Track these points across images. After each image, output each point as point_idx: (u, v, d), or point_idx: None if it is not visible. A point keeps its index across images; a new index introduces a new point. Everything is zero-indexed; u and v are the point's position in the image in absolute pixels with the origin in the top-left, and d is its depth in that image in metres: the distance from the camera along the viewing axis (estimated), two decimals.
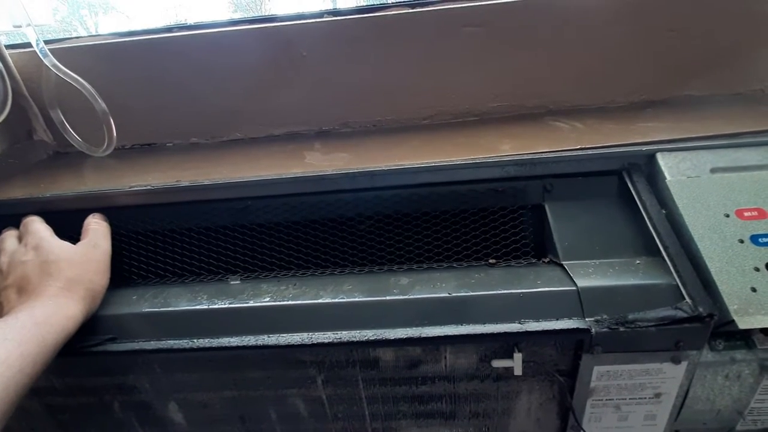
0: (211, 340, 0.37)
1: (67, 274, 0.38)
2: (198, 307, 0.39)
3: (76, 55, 0.55)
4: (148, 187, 0.45)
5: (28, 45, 0.52)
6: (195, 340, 0.37)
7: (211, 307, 0.39)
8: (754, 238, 0.36)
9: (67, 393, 0.43)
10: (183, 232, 0.46)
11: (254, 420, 0.43)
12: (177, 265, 0.46)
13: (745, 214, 0.37)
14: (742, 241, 0.36)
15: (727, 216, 0.37)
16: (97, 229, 0.43)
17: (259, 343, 0.37)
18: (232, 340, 0.37)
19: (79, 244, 0.41)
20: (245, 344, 0.37)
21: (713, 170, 0.41)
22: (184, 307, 0.39)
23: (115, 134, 0.53)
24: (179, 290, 0.42)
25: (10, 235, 0.43)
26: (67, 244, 0.40)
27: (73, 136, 0.56)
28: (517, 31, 0.54)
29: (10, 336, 0.32)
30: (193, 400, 0.43)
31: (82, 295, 0.38)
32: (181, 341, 0.37)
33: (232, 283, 0.43)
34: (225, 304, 0.39)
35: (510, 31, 0.54)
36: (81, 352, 0.37)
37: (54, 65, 0.50)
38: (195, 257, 0.46)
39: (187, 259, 0.46)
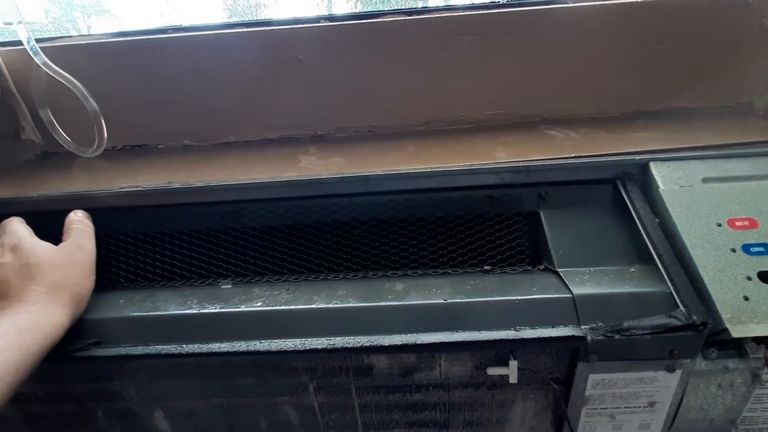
0: (201, 345, 0.36)
1: (50, 277, 0.36)
2: (188, 311, 0.38)
3: (68, 54, 0.54)
4: (139, 189, 0.44)
5: (19, 43, 0.51)
6: (184, 346, 0.36)
7: (201, 311, 0.38)
8: (746, 248, 0.37)
9: (49, 400, 0.42)
10: (174, 234, 0.45)
11: (243, 429, 0.42)
12: (167, 268, 0.45)
13: (737, 223, 0.38)
14: (734, 250, 0.36)
15: (719, 225, 0.38)
16: (80, 228, 0.41)
17: (251, 348, 0.36)
18: (222, 345, 0.36)
19: (61, 245, 0.39)
20: (236, 350, 0.36)
21: (705, 180, 0.41)
22: (174, 311, 0.38)
23: (105, 135, 0.52)
24: (168, 294, 0.41)
25: None
26: (48, 245, 0.39)
27: (63, 136, 0.55)
28: (513, 40, 0.55)
29: None
30: (180, 408, 0.41)
31: (67, 299, 0.36)
32: (169, 347, 0.36)
33: (223, 287, 0.42)
34: (216, 308, 0.38)
35: (506, 40, 0.55)
36: (64, 358, 0.36)
37: (45, 63, 0.50)
38: (185, 260, 0.45)
39: (178, 262, 0.45)
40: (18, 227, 0.40)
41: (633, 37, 0.54)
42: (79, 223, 0.41)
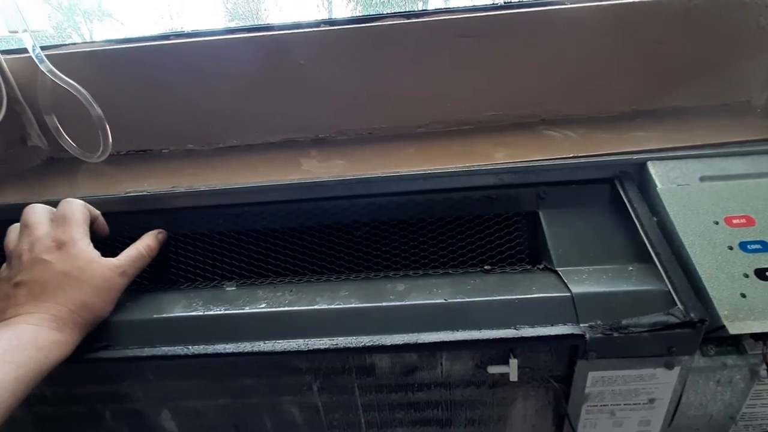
0: (207, 346, 0.37)
1: (82, 297, 0.36)
2: (193, 313, 0.39)
3: (72, 61, 0.55)
4: (144, 193, 0.45)
5: (24, 50, 0.52)
6: (190, 347, 0.37)
7: (206, 313, 0.39)
8: (743, 245, 0.37)
9: (57, 402, 0.43)
10: (178, 238, 0.46)
11: (248, 428, 0.43)
12: (172, 271, 0.45)
13: (734, 221, 0.38)
14: (731, 248, 0.37)
15: (717, 223, 0.38)
16: (140, 257, 0.40)
17: (255, 349, 0.37)
18: (227, 346, 0.37)
19: (108, 263, 0.38)
20: (241, 351, 0.37)
21: (702, 179, 0.42)
22: (179, 313, 0.39)
23: (110, 140, 0.53)
24: (174, 296, 0.42)
25: (44, 214, 0.39)
26: (94, 259, 0.38)
27: (68, 142, 0.55)
28: (511, 42, 0.55)
29: (10, 358, 0.31)
30: (187, 408, 0.42)
31: (88, 321, 0.37)
32: (175, 348, 0.37)
33: (227, 289, 0.43)
34: (221, 310, 0.39)
35: (503, 42, 0.55)
36: (74, 360, 0.36)
37: (50, 71, 0.50)
38: (190, 263, 0.46)
39: (182, 265, 0.46)
40: (77, 218, 0.39)
41: (630, 37, 0.54)
42: (144, 249, 0.41)
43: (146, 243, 0.42)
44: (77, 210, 0.40)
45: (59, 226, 0.38)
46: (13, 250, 0.38)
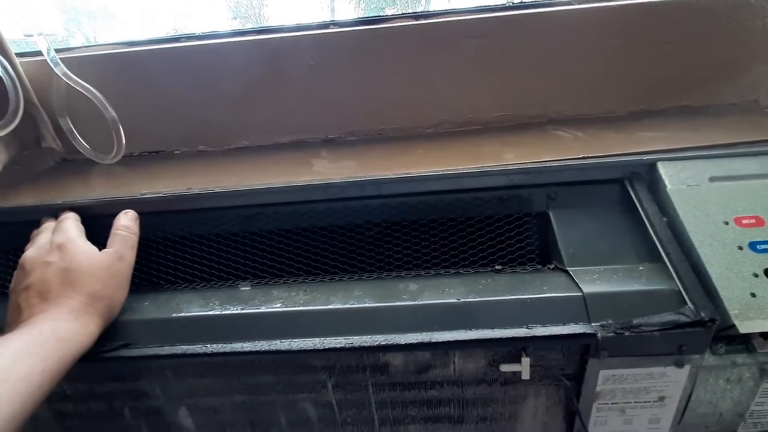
0: (224, 345, 0.38)
1: (89, 288, 0.38)
2: (210, 312, 0.40)
3: (85, 63, 0.56)
4: (159, 195, 0.46)
5: (38, 53, 0.53)
6: (208, 346, 0.38)
7: (223, 312, 0.40)
8: (753, 245, 0.37)
9: (78, 399, 0.44)
10: (194, 238, 0.47)
11: (264, 425, 0.44)
12: (188, 271, 0.46)
13: (744, 221, 0.39)
14: (741, 248, 0.37)
15: (726, 223, 0.39)
16: (125, 237, 0.42)
17: (271, 348, 0.37)
18: (244, 345, 0.38)
19: (104, 253, 0.40)
20: (257, 349, 0.37)
21: (712, 179, 0.42)
22: (197, 312, 0.40)
23: (124, 142, 0.54)
24: (191, 296, 0.42)
25: (47, 228, 0.43)
26: (92, 252, 0.40)
27: (82, 144, 0.56)
28: (518, 42, 0.55)
29: (35, 351, 0.32)
30: (204, 406, 0.43)
31: (102, 311, 0.38)
32: (194, 347, 0.38)
33: (242, 289, 0.43)
34: (237, 309, 0.40)
35: (511, 42, 0.55)
36: (95, 359, 0.37)
37: (65, 74, 0.51)
38: (206, 264, 0.46)
39: (198, 265, 0.46)
40: (70, 225, 0.42)
41: (638, 38, 0.55)
42: (125, 230, 0.42)
43: (122, 224, 0.43)
44: (70, 217, 0.43)
45: (56, 230, 0.41)
46: (20, 263, 0.40)
